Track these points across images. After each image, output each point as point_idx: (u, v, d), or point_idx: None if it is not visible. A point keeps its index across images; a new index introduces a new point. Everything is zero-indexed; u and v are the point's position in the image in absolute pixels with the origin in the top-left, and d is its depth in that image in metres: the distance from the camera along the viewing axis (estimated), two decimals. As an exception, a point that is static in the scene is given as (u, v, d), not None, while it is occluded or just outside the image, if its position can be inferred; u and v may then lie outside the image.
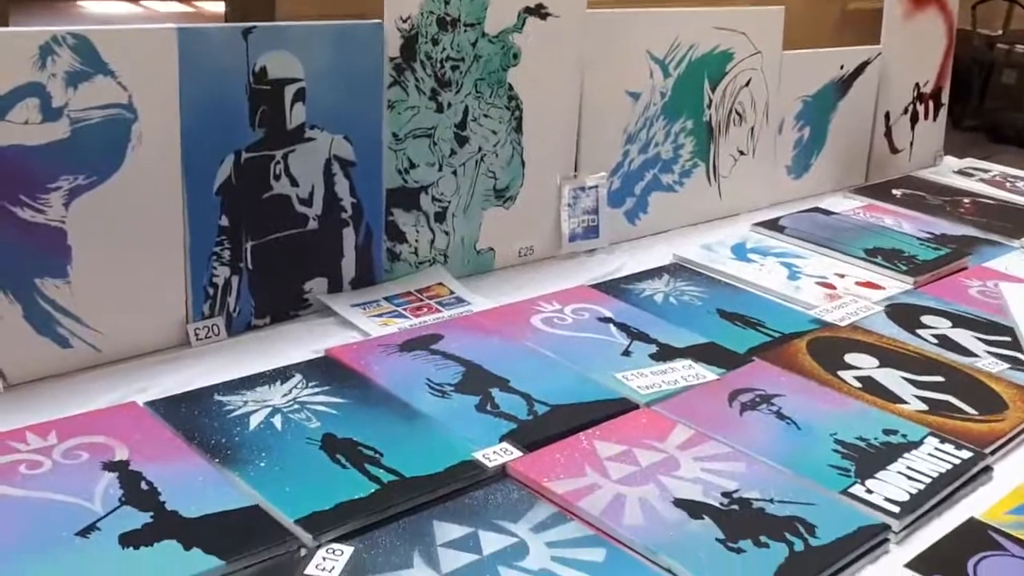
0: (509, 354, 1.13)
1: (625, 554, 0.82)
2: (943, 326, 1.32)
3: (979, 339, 1.28)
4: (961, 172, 2.14)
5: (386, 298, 1.26)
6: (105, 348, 1.06)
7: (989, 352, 1.24)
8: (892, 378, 1.15)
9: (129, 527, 0.79)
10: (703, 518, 0.86)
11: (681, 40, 1.57)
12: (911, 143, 2.12)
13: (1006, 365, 1.21)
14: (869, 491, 0.92)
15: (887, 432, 1.02)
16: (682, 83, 1.59)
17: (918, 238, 1.66)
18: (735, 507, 0.88)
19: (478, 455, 0.92)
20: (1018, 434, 1.06)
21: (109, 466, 0.86)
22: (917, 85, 2.10)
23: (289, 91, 1.14)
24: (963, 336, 1.29)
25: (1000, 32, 5.07)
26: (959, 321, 1.33)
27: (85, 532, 0.78)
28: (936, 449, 1.00)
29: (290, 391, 1.01)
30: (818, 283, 1.44)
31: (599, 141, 1.50)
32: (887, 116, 2.04)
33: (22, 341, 1.00)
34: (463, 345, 1.14)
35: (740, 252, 1.53)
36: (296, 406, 0.98)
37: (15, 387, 1.00)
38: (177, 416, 0.95)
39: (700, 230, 1.64)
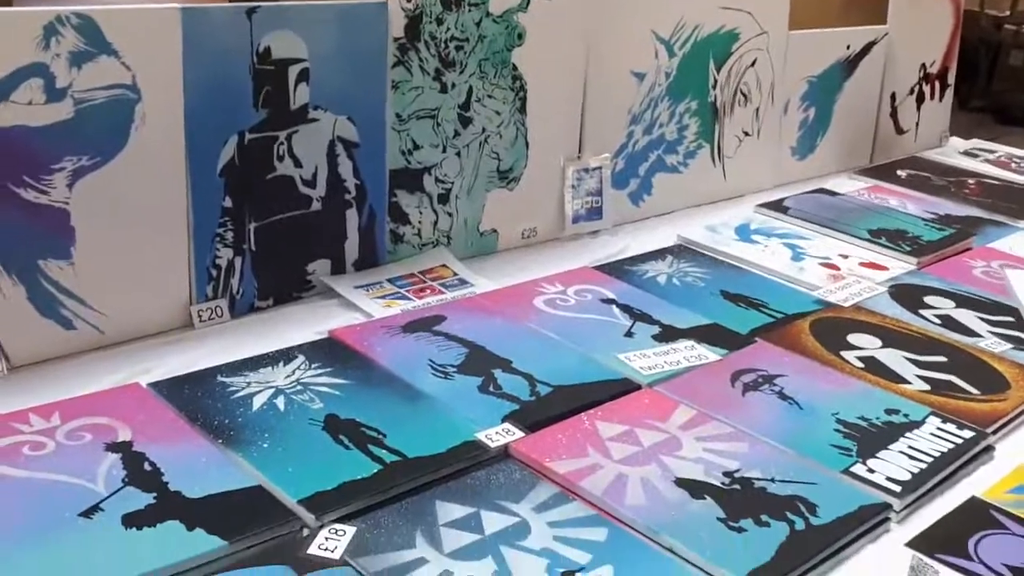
0: (512, 335, 1.14)
1: (627, 534, 0.82)
2: (947, 306, 1.31)
3: (982, 319, 1.28)
4: (967, 153, 2.13)
5: (389, 280, 1.26)
6: (109, 330, 1.06)
7: (992, 332, 1.24)
8: (895, 358, 1.15)
9: (132, 508, 0.79)
10: (705, 498, 0.86)
11: (686, 20, 1.56)
12: (917, 124, 2.11)
13: (1009, 345, 1.21)
14: (870, 470, 0.92)
15: (889, 412, 1.02)
16: (687, 63, 1.58)
17: (923, 219, 1.65)
18: (737, 487, 0.88)
19: (480, 436, 0.93)
20: (1020, 414, 1.06)
21: (112, 447, 0.87)
22: (923, 66, 2.09)
23: (293, 71, 1.14)
24: (966, 316, 1.28)
25: (1008, 13, 5.03)
26: (963, 301, 1.33)
27: (88, 513, 0.78)
28: (938, 429, 1.00)
29: (293, 372, 1.02)
30: (822, 264, 1.43)
31: (603, 122, 1.49)
32: (893, 97, 2.03)
33: (26, 323, 1.00)
34: (466, 326, 1.14)
35: (744, 233, 1.53)
36: (299, 387, 0.99)
37: (18, 369, 1.00)
38: (180, 397, 0.96)
39: (704, 211, 1.64)
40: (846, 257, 1.47)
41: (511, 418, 0.96)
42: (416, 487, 0.85)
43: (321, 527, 0.79)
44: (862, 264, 1.45)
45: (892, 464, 0.93)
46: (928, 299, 1.33)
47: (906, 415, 1.02)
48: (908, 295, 1.34)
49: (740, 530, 0.83)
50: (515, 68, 1.36)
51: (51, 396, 0.94)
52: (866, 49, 1.91)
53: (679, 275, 1.36)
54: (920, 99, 2.10)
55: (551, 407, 0.99)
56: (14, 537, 0.75)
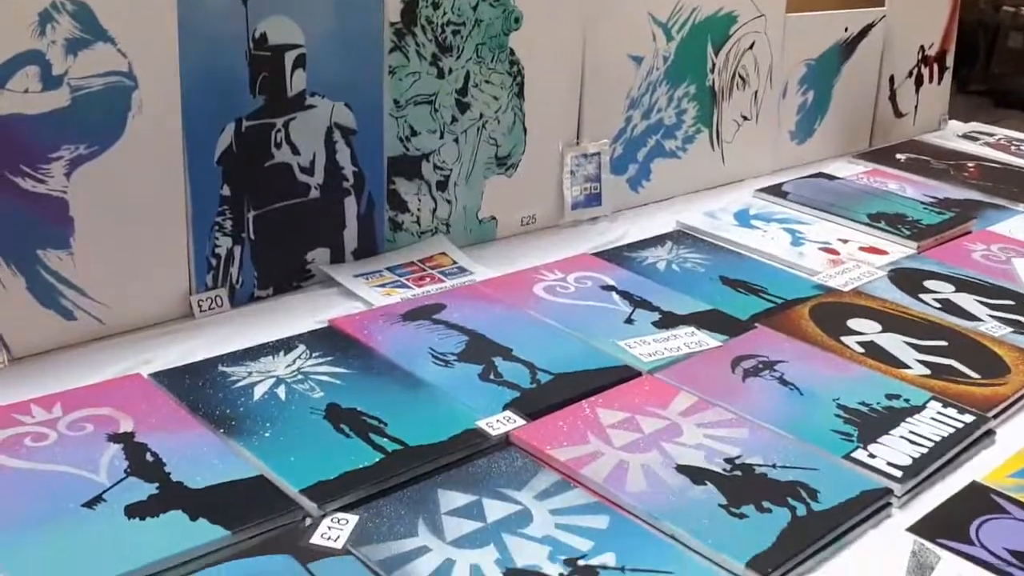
0: (512, 323, 1.13)
1: (628, 521, 0.82)
2: (947, 290, 1.31)
3: (983, 303, 1.28)
4: (966, 136, 2.13)
5: (388, 268, 1.26)
6: (109, 320, 1.06)
7: (992, 316, 1.24)
8: (895, 343, 1.15)
9: (135, 498, 0.79)
10: (706, 484, 0.86)
11: (684, 3, 1.55)
12: (915, 107, 2.11)
13: (1009, 329, 1.21)
14: (872, 456, 0.92)
15: (890, 397, 1.02)
16: (685, 47, 1.57)
17: (922, 202, 1.65)
18: (738, 473, 0.88)
19: (481, 424, 0.93)
20: (1021, 398, 1.06)
21: (114, 438, 0.87)
22: (922, 48, 2.08)
23: (289, 57, 1.13)
24: (966, 300, 1.28)
25: (1007, -6, 5.01)
26: (963, 285, 1.33)
27: (91, 503, 0.78)
28: (939, 413, 1.00)
29: (294, 362, 1.01)
30: (821, 249, 1.43)
31: (601, 107, 1.49)
32: (891, 80, 2.02)
33: (26, 313, 1.00)
34: (466, 314, 1.14)
35: (743, 218, 1.52)
36: (300, 376, 0.99)
37: (19, 360, 1.00)
38: (181, 387, 0.95)
39: (703, 197, 1.63)
40: (845, 242, 1.47)
41: (512, 406, 0.96)
42: (418, 476, 0.85)
43: (323, 516, 0.79)
44: (862, 248, 1.45)
45: (893, 449, 0.93)
46: (928, 283, 1.33)
47: (907, 400, 1.02)
48: (908, 279, 1.34)
49: (741, 516, 0.83)
50: (512, 53, 1.35)
51: (52, 387, 0.94)
52: (864, 31, 1.90)
53: (679, 261, 1.36)
54: (919, 82, 2.09)
55: (552, 394, 0.99)
56: (17, 528, 0.75)
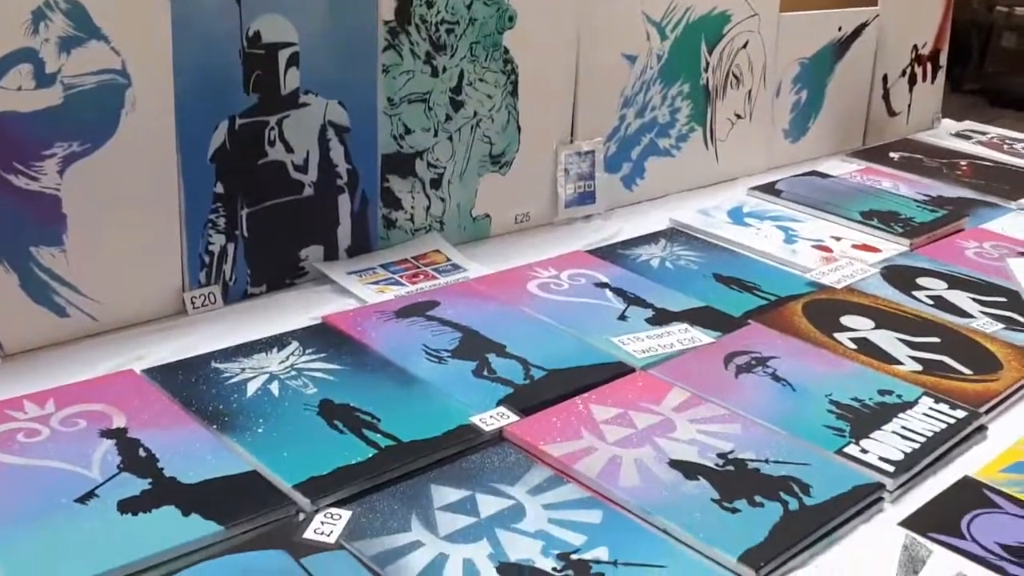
0: (505, 320, 1.14)
1: (622, 515, 0.82)
2: (939, 287, 1.32)
3: (975, 300, 1.28)
4: (959, 135, 2.13)
5: (382, 265, 1.26)
6: (102, 317, 1.06)
7: (984, 313, 1.25)
8: (887, 339, 1.15)
9: (128, 494, 0.79)
10: (698, 479, 0.87)
11: (678, 2, 1.55)
12: (909, 106, 2.11)
13: (1001, 325, 1.21)
14: (864, 451, 0.93)
15: (882, 392, 1.03)
16: (679, 46, 1.57)
17: (915, 200, 1.65)
18: (730, 468, 0.89)
19: (475, 419, 0.93)
20: (1012, 393, 1.07)
21: (107, 433, 0.87)
22: (915, 47, 2.09)
23: (283, 55, 1.13)
24: (959, 297, 1.29)
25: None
26: (955, 282, 1.34)
27: (84, 499, 0.78)
28: (931, 409, 1.00)
29: (287, 358, 1.02)
30: (814, 246, 1.44)
31: (595, 105, 1.49)
32: (885, 79, 2.03)
33: (19, 310, 1.00)
34: (459, 311, 1.14)
35: (737, 216, 1.53)
36: (293, 373, 0.99)
37: (12, 356, 1.00)
38: (174, 383, 0.95)
39: (697, 195, 1.64)
40: (839, 239, 1.47)
41: (505, 402, 0.96)
42: (411, 471, 0.86)
43: (316, 511, 0.79)
44: (855, 246, 1.45)
45: (885, 444, 0.94)
46: (921, 280, 1.34)
47: (899, 396, 1.02)
48: (901, 276, 1.35)
49: (734, 511, 0.83)
50: (506, 51, 1.35)
51: (45, 383, 0.94)
52: (858, 31, 1.90)
53: (672, 258, 1.36)
54: (912, 81, 2.10)
55: (545, 391, 0.99)
56: (9, 523, 0.75)
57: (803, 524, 0.82)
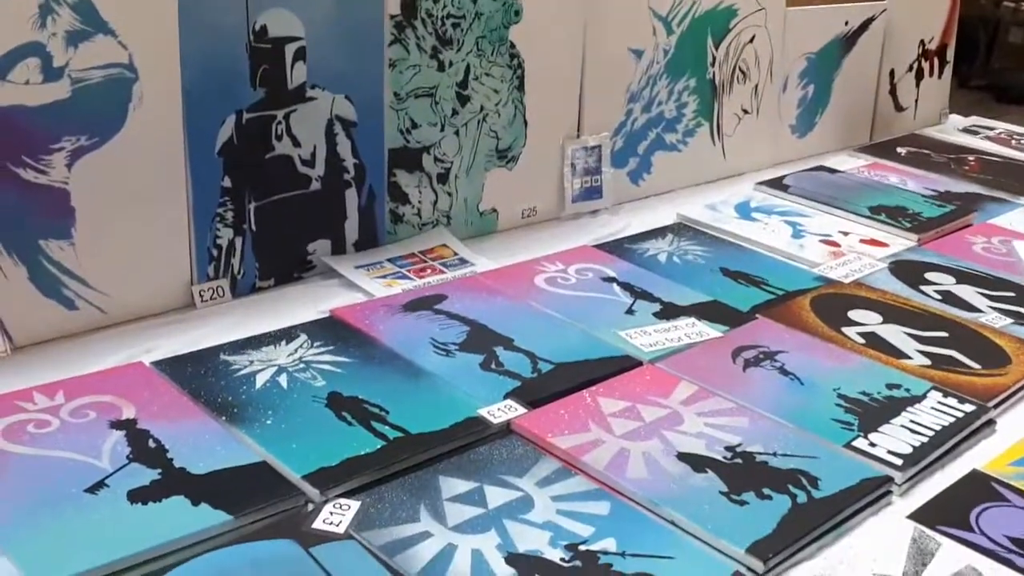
0: (513, 313, 1.14)
1: (629, 507, 0.82)
2: (947, 282, 1.31)
3: (983, 295, 1.28)
4: (966, 130, 2.13)
5: (389, 260, 1.26)
6: (111, 310, 1.06)
7: (993, 307, 1.24)
8: (895, 334, 1.15)
9: (137, 483, 0.79)
10: (706, 471, 0.87)
11: (684, -3, 1.55)
12: (916, 101, 2.11)
13: (1009, 320, 1.21)
14: (872, 444, 0.92)
15: (890, 387, 1.03)
16: (685, 40, 1.57)
17: (923, 195, 1.65)
18: (738, 461, 0.89)
19: (483, 412, 0.93)
20: (1021, 388, 1.07)
21: (116, 424, 0.87)
22: (922, 42, 2.08)
23: (289, 50, 1.14)
24: (967, 292, 1.28)
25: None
26: (963, 277, 1.33)
27: (94, 489, 0.78)
28: (939, 403, 1.00)
29: (295, 351, 1.02)
30: (822, 241, 1.43)
31: (602, 100, 1.49)
32: (892, 74, 2.02)
33: (28, 303, 1.01)
34: (467, 305, 1.14)
35: (744, 211, 1.52)
36: (302, 365, 0.99)
37: (22, 349, 1.00)
38: (183, 375, 0.96)
39: (704, 190, 1.63)
40: (846, 234, 1.47)
41: (513, 395, 0.97)
42: (419, 463, 0.86)
43: (325, 502, 0.80)
44: (862, 241, 1.45)
45: (894, 438, 0.94)
46: (929, 275, 1.34)
47: (907, 390, 1.02)
48: (909, 271, 1.34)
49: (742, 503, 0.83)
50: (513, 46, 1.35)
51: (54, 376, 0.94)
52: (864, 25, 1.90)
53: (679, 253, 1.36)
54: (919, 76, 2.09)
55: (553, 384, 0.99)
56: (21, 513, 0.75)
57: (811, 516, 0.82)
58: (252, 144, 1.13)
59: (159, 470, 0.81)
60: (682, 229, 1.45)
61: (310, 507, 0.80)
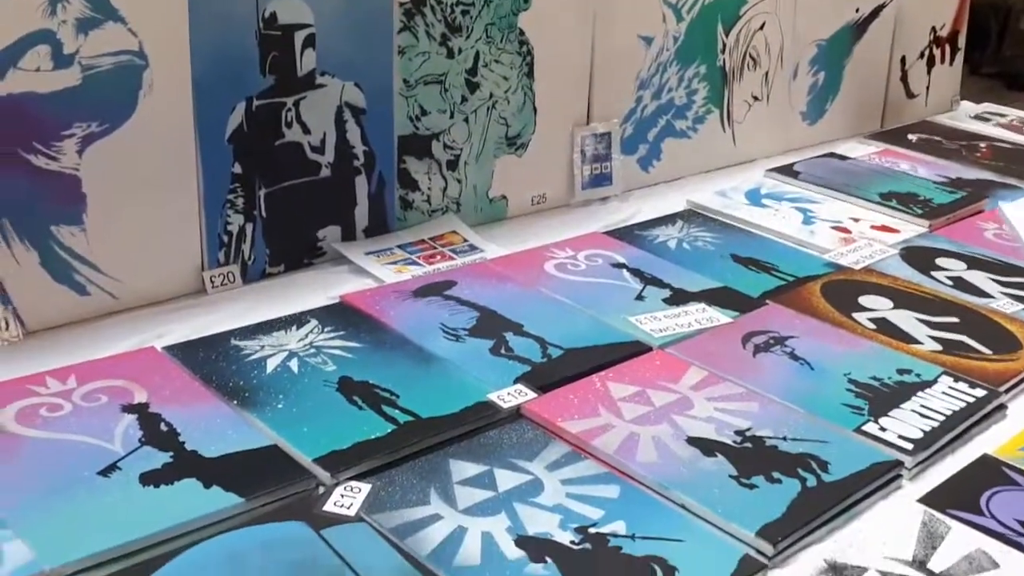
0: (523, 299, 1.14)
1: (639, 490, 0.82)
2: (958, 268, 1.31)
3: (994, 280, 1.27)
4: (978, 117, 2.12)
5: (399, 246, 1.26)
6: (122, 296, 1.07)
7: (1004, 293, 1.24)
8: (906, 319, 1.15)
9: (150, 466, 0.80)
10: (716, 455, 0.87)
11: (694, -17, 1.55)
12: (927, 88, 2.09)
13: (1020, 306, 1.20)
14: (883, 429, 0.92)
15: (901, 372, 1.02)
16: (695, 27, 1.57)
17: (934, 182, 1.64)
18: (748, 445, 0.89)
19: (493, 396, 0.93)
20: (1032, 373, 1.06)
21: (128, 408, 0.88)
22: (933, 29, 2.07)
23: (299, 37, 1.14)
24: (978, 278, 1.28)
25: (1019, -24, 4.97)
26: (974, 263, 1.33)
27: (106, 472, 0.79)
28: (950, 388, 1.00)
29: (306, 336, 1.02)
30: (833, 227, 1.43)
31: (611, 87, 1.48)
32: (903, 60, 2.01)
33: (40, 289, 1.01)
34: (477, 291, 1.15)
35: (754, 198, 1.52)
36: (312, 350, 0.99)
37: (34, 334, 1.01)
38: (195, 360, 0.96)
39: (714, 177, 1.63)
40: (857, 220, 1.46)
41: (523, 379, 0.97)
42: (430, 446, 0.86)
43: (336, 485, 0.80)
44: (873, 227, 1.44)
45: (904, 423, 0.93)
46: (940, 261, 1.33)
47: (918, 375, 1.02)
48: (919, 257, 1.34)
49: (752, 487, 0.83)
50: (522, 32, 1.35)
51: (67, 360, 0.95)
52: (875, 12, 1.89)
53: (689, 239, 1.36)
54: (930, 63, 2.08)
55: (563, 368, 0.99)
56: (34, 496, 0.76)
57: (821, 500, 0.82)
58: (262, 131, 1.13)
59: (171, 453, 0.82)
60: (692, 216, 1.45)
61: (321, 490, 0.80)
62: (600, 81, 1.47)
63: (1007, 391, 1.02)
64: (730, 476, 0.84)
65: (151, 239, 1.08)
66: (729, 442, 0.89)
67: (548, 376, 0.98)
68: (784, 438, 0.90)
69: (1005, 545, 0.80)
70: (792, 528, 0.78)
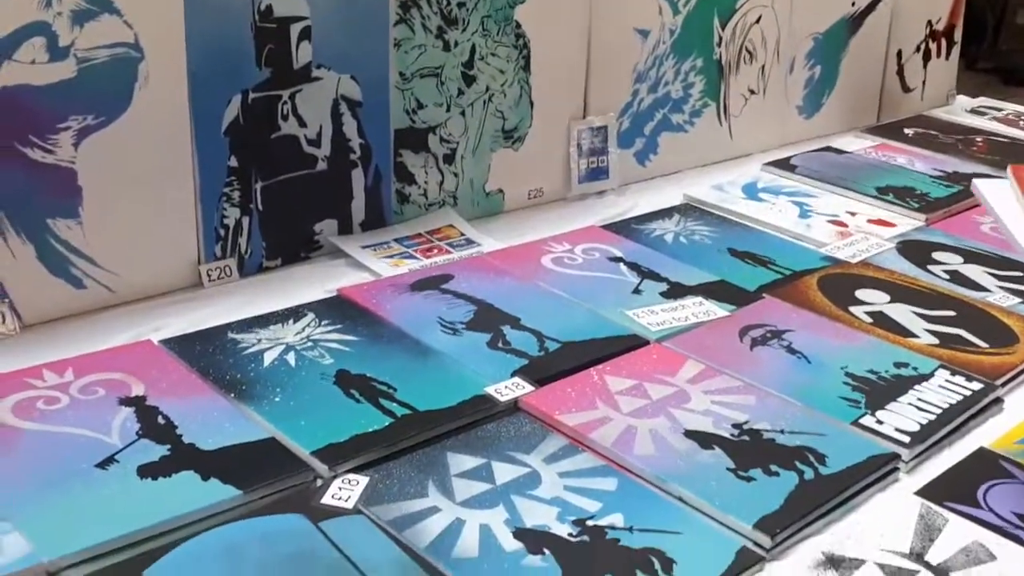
0: (520, 293, 1.14)
1: (636, 483, 0.82)
2: (955, 262, 1.31)
3: (991, 274, 1.28)
4: (974, 111, 2.12)
5: (396, 239, 1.26)
6: (119, 289, 1.07)
7: (1001, 287, 1.24)
8: (903, 313, 1.15)
9: (147, 459, 0.80)
10: (713, 448, 0.87)
11: (691, -24, 1.54)
12: (923, 82, 2.10)
13: (1017, 299, 1.21)
14: (879, 422, 0.92)
15: (898, 365, 1.03)
16: (691, 20, 1.57)
17: (930, 176, 1.64)
18: (745, 438, 0.89)
19: (490, 390, 0.93)
20: (1029, 366, 1.07)
21: (126, 401, 0.87)
22: (929, 23, 2.07)
23: (295, 29, 1.13)
24: (975, 271, 1.28)
25: (1014, -29, 4.97)
26: (971, 257, 1.33)
27: (104, 464, 0.79)
28: (947, 381, 1.00)
29: (303, 329, 1.02)
30: (829, 221, 1.43)
31: (608, 80, 1.48)
32: (899, 54, 2.01)
33: (36, 282, 1.01)
34: (474, 285, 1.14)
35: (751, 191, 1.52)
36: (309, 344, 0.99)
37: (31, 327, 1.01)
38: (192, 353, 0.96)
39: (711, 170, 1.63)
40: (854, 214, 1.46)
41: (520, 373, 0.97)
42: (427, 439, 0.86)
43: (334, 477, 0.80)
44: (870, 221, 1.44)
45: (901, 416, 0.94)
46: (936, 255, 1.33)
47: (915, 368, 1.02)
48: (916, 251, 1.34)
49: (749, 479, 0.83)
50: (518, 25, 1.35)
51: (63, 354, 0.95)
52: (871, 6, 1.89)
53: (686, 233, 1.36)
54: (926, 57, 2.08)
55: (560, 362, 0.99)
56: (31, 488, 0.76)
57: (819, 492, 0.82)
58: (258, 124, 1.13)
59: (168, 446, 0.82)
60: (689, 209, 1.45)
61: (319, 483, 0.80)
62: (596, 74, 1.46)
63: (1003, 384, 1.02)
64: (727, 469, 0.84)
65: (147, 232, 1.08)
66: (726, 435, 0.89)
67: (545, 369, 0.98)
68: (781, 431, 0.90)
69: (1002, 537, 0.80)
70: (790, 520, 0.79)
